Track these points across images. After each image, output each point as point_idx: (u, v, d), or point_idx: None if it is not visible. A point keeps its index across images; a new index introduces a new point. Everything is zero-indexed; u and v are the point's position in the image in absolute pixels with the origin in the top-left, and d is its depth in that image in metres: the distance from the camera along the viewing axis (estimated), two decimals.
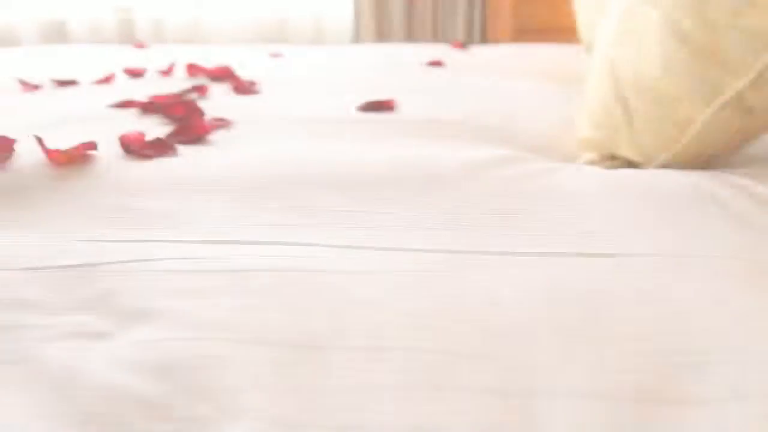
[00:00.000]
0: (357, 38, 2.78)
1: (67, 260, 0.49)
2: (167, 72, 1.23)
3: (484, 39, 2.69)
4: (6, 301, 0.45)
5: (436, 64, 1.35)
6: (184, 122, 0.81)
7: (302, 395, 0.34)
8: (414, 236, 0.52)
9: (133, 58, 1.51)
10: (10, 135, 0.83)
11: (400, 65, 1.36)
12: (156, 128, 0.86)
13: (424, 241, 0.51)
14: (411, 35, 2.75)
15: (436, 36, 2.73)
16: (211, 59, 1.45)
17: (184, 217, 0.58)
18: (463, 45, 1.59)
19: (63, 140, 0.79)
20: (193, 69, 1.21)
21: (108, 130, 0.86)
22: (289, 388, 0.34)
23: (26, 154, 0.71)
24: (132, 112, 0.95)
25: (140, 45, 1.67)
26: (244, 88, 1.08)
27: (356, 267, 0.46)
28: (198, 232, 0.54)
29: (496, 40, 2.61)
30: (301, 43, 2.78)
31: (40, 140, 0.70)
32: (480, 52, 1.55)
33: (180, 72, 1.28)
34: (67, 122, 0.89)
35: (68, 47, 1.70)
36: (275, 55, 1.49)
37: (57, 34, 2.70)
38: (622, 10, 0.78)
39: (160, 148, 0.73)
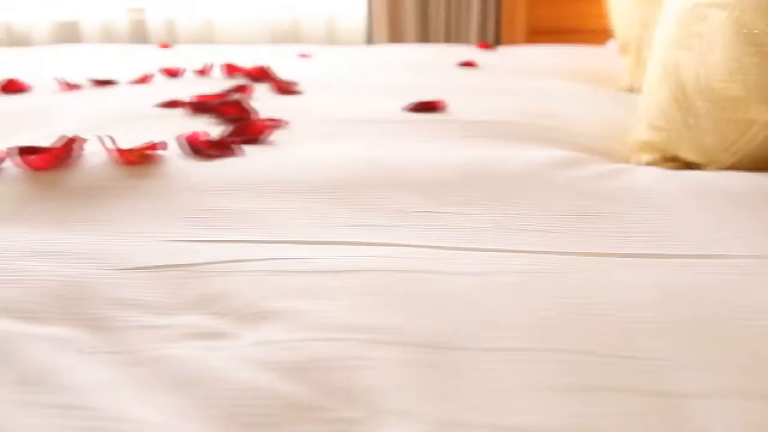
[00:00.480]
0: (370, 39, 2.78)
1: (164, 260, 0.49)
2: (204, 72, 1.23)
3: (498, 40, 2.69)
4: (113, 300, 0.45)
5: (469, 64, 1.35)
6: (241, 122, 0.81)
7: (452, 396, 0.34)
8: (508, 237, 0.52)
9: (160, 58, 1.51)
10: (69, 135, 0.82)
11: (433, 66, 1.36)
12: (208, 128, 0.86)
13: (519, 242, 0.51)
14: (424, 37, 2.75)
15: (450, 37, 2.73)
16: (239, 59, 1.44)
17: (266, 217, 0.58)
18: (490, 46, 1.59)
19: (119, 140, 0.79)
20: (230, 69, 1.21)
21: (160, 129, 0.86)
22: (435, 389, 0.34)
23: (93, 153, 0.71)
24: (180, 112, 0.94)
25: (165, 45, 1.67)
26: (285, 88, 1.08)
27: (465, 268, 0.46)
28: (286, 233, 0.54)
29: (511, 42, 2.62)
30: (314, 44, 2.78)
31: (111, 140, 0.69)
32: (508, 53, 1.56)
33: (216, 72, 1.28)
34: (119, 122, 0.88)
35: (93, 47, 1.69)
36: (304, 56, 1.49)
37: (69, 35, 2.69)
38: (682, 13, 0.78)
39: (224, 148, 0.73)
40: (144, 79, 1.17)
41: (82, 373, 0.37)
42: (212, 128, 0.86)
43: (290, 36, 2.79)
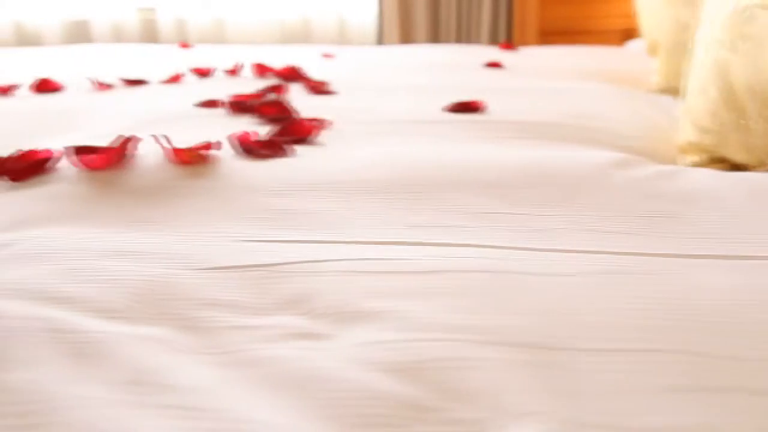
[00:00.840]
0: (381, 40, 2.78)
1: (244, 261, 0.49)
2: (234, 72, 1.23)
3: (509, 41, 2.69)
4: (199, 300, 0.45)
5: (495, 65, 1.35)
6: (286, 122, 0.81)
7: (572, 397, 0.34)
8: (585, 238, 0.53)
9: (182, 57, 1.50)
10: (120, 135, 0.82)
11: (460, 66, 1.36)
12: (250, 128, 0.86)
13: (599, 243, 0.51)
14: (435, 37, 2.75)
15: (460, 38, 2.73)
16: (262, 59, 1.44)
17: (334, 218, 0.58)
18: (511, 46, 1.59)
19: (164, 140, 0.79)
20: (260, 69, 1.21)
21: (203, 129, 0.85)
22: (552, 389, 0.34)
23: (147, 153, 0.71)
24: (219, 112, 0.94)
25: (185, 45, 1.66)
26: (318, 88, 1.08)
27: (553, 269, 0.46)
28: (359, 234, 0.54)
29: (522, 43, 2.62)
30: (326, 44, 2.78)
31: (167, 139, 0.69)
32: (529, 54, 1.56)
33: (246, 72, 1.28)
34: (162, 122, 0.88)
35: (113, 47, 1.69)
36: (328, 56, 1.49)
37: (80, 34, 2.69)
38: (730, 13, 0.78)
39: (276, 148, 0.73)
40: (175, 79, 1.17)
41: (190, 373, 0.37)
42: (254, 128, 0.86)
43: (301, 36, 2.79)
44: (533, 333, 0.38)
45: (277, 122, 0.87)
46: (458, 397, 0.34)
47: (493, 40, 2.72)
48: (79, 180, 0.65)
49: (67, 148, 0.68)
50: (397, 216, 0.58)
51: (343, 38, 2.80)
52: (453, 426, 0.32)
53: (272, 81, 1.17)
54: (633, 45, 1.82)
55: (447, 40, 2.74)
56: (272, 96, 1.03)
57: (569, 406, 0.33)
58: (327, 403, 0.34)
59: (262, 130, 0.84)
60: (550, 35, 2.65)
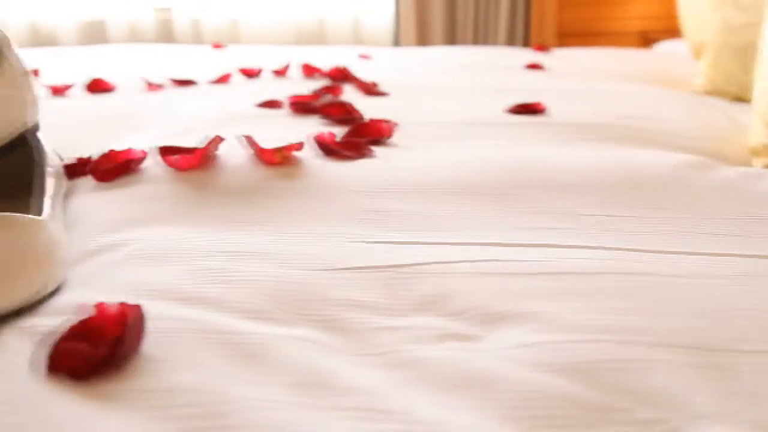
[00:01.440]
0: (397, 41, 2.78)
1: (370, 262, 0.49)
2: (281, 72, 1.23)
3: (527, 43, 2.70)
4: (337, 301, 0.45)
5: (535, 66, 1.35)
6: (358, 124, 0.81)
7: (751, 399, 0.34)
8: (695, 240, 0.53)
9: (215, 58, 1.50)
10: (184, 134, 0.82)
11: (500, 67, 1.36)
12: (318, 128, 0.86)
13: (711, 246, 0.52)
14: (451, 38, 2.76)
15: (477, 39, 2.73)
16: (298, 59, 1.43)
17: (437, 219, 0.58)
18: (545, 48, 1.59)
19: (233, 140, 0.78)
20: (308, 69, 1.21)
21: (271, 129, 0.85)
22: (729, 391, 0.34)
23: (230, 154, 0.71)
24: (282, 112, 0.94)
25: (217, 45, 1.66)
26: (370, 89, 1.08)
27: (680, 270, 0.47)
28: (473, 236, 0.54)
29: (541, 45, 2.62)
30: (339, 45, 2.78)
31: (251, 140, 0.69)
32: (564, 55, 1.56)
33: (294, 72, 1.28)
34: (227, 122, 0.88)
35: (144, 47, 1.68)
36: (364, 56, 1.49)
37: (96, 34, 2.68)
38: None
39: (358, 149, 0.73)
40: (223, 79, 1.17)
41: (353, 374, 0.37)
42: (321, 129, 0.86)
43: (316, 37, 2.79)
44: (696, 335, 0.38)
45: (345, 123, 0.87)
46: (639, 398, 0.34)
47: (510, 42, 2.72)
48: (169, 180, 0.65)
49: (152, 149, 0.68)
50: (502, 218, 0.58)
51: (357, 39, 2.79)
52: (642, 426, 0.33)
53: (322, 82, 1.17)
54: (661, 47, 1.82)
55: (464, 42, 2.74)
56: (328, 97, 1.03)
57: (750, 409, 0.33)
58: (504, 403, 0.34)
59: (330, 130, 0.84)
60: (567, 37, 2.65)
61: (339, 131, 0.83)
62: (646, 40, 2.56)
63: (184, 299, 0.44)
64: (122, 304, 0.40)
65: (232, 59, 1.47)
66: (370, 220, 0.57)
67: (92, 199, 0.63)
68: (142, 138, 0.82)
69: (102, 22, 2.68)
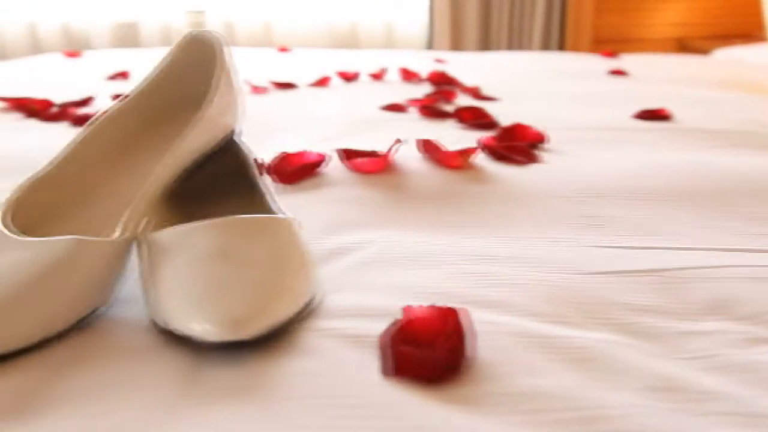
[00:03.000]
0: (431, 45, 2.78)
1: (628, 266, 0.49)
2: (378, 76, 1.23)
3: (562, 48, 2.71)
4: (620, 305, 0.44)
5: (619, 73, 1.36)
6: (507, 128, 0.81)
7: None
8: None
9: (283, 61, 1.49)
10: (327, 138, 0.82)
11: (585, 73, 1.36)
12: (457, 132, 0.86)
13: None
14: (486, 43, 2.76)
15: (512, 45, 2.74)
16: (364, 63, 1.43)
17: (652, 224, 0.58)
18: (613, 54, 1.60)
19: (372, 144, 0.78)
20: (406, 73, 1.21)
21: (412, 132, 0.85)
22: None
23: (404, 156, 0.71)
24: (409, 116, 0.94)
25: (283, 49, 1.66)
26: (477, 94, 1.08)
27: None
28: (714, 241, 0.54)
29: (575, 51, 2.64)
30: (373, 48, 2.77)
31: (429, 143, 0.69)
32: (633, 61, 1.56)
33: (392, 76, 1.27)
34: (364, 124, 0.88)
35: None
36: (440, 61, 1.49)
37: (128, 37, 2.67)
38: None
39: (527, 154, 0.73)
40: (323, 82, 1.16)
41: (698, 379, 0.37)
42: (459, 132, 0.86)
43: (349, 41, 2.79)
44: None
45: (483, 128, 0.87)
46: None
47: (545, 48, 2.73)
48: (357, 183, 0.64)
49: (334, 152, 0.68)
50: (717, 223, 0.58)
51: (390, 43, 2.80)
52: None
53: (422, 86, 1.17)
54: (719, 54, 1.83)
55: (498, 47, 2.75)
56: (443, 101, 1.03)
57: None
58: None
59: (469, 135, 0.84)
60: (602, 43, 2.67)
61: (477, 135, 0.83)
62: (683, 47, 2.58)
63: (467, 302, 0.43)
64: (437, 307, 0.40)
65: (300, 62, 1.47)
66: (588, 225, 0.57)
67: (286, 201, 0.63)
68: (289, 140, 0.82)
69: (135, 24, 2.67)
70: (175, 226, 0.44)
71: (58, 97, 1.07)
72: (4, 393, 0.36)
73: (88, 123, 0.54)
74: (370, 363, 0.37)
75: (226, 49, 0.56)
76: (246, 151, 0.58)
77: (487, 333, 0.40)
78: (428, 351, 0.37)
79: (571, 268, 0.49)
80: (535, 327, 0.41)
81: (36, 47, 2.56)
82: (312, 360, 0.37)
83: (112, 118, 0.55)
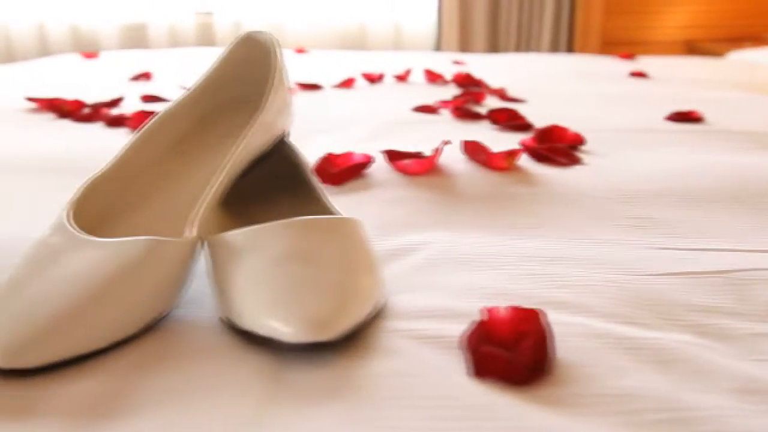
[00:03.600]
0: (439, 46, 2.78)
1: (701, 267, 0.49)
2: (403, 77, 1.23)
3: (570, 50, 2.71)
4: (686, 306, 0.44)
5: (640, 75, 1.36)
6: (543, 130, 0.81)
7: None
8: None
9: (300, 62, 1.49)
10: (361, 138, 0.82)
11: (606, 75, 1.36)
12: (491, 133, 0.86)
13: None
14: (494, 45, 2.76)
15: (520, 46, 2.74)
16: (384, 64, 1.43)
17: (705, 225, 0.58)
18: (631, 56, 1.60)
19: (408, 145, 0.78)
20: (431, 75, 1.21)
21: (448, 134, 0.85)
22: None
23: (446, 158, 0.70)
24: (442, 117, 0.94)
25: (300, 50, 1.65)
26: (504, 95, 1.08)
27: None
28: (755, 241, 0.54)
29: (584, 52, 2.64)
30: (381, 50, 2.77)
31: (476, 144, 0.69)
32: (651, 63, 1.57)
33: (416, 77, 1.27)
34: (399, 125, 0.87)
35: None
36: (458, 62, 1.49)
37: (137, 38, 2.66)
38: None
39: (569, 156, 0.73)
40: (348, 83, 1.16)
41: None
42: (494, 134, 0.86)
43: (357, 42, 2.79)
44: None
45: (517, 129, 0.87)
46: None
47: (554, 49, 2.73)
48: (404, 185, 0.64)
49: (380, 154, 0.68)
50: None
51: (398, 44, 2.80)
52: None
53: (448, 87, 1.17)
54: (733, 56, 1.84)
55: (506, 48, 2.75)
56: (472, 103, 1.03)
57: None
58: None
59: (504, 137, 0.84)
60: (611, 45, 2.67)
61: (511, 137, 0.83)
62: (692, 49, 2.58)
63: (538, 303, 0.43)
64: (517, 308, 0.40)
65: (318, 63, 1.47)
66: (642, 227, 0.57)
67: (336, 202, 0.62)
68: (324, 142, 0.81)
69: (143, 25, 2.66)
70: (247, 228, 0.44)
71: (85, 97, 1.06)
72: (85, 395, 0.36)
73: (141, 125, 0.54)
74: (456, 364, 0.37)
75: (278, 50, 0.56)
76: (297, 152, 0.58)
77: (564, 334, 0.40)
78: (514, 352, 0.37)
79: (637, 270, 0.49)
80: (612, 328, 0.41)
81: (44, 49, 2.55)
82: (397, 361, 0.37)
83: (166, 119, 0.55)
